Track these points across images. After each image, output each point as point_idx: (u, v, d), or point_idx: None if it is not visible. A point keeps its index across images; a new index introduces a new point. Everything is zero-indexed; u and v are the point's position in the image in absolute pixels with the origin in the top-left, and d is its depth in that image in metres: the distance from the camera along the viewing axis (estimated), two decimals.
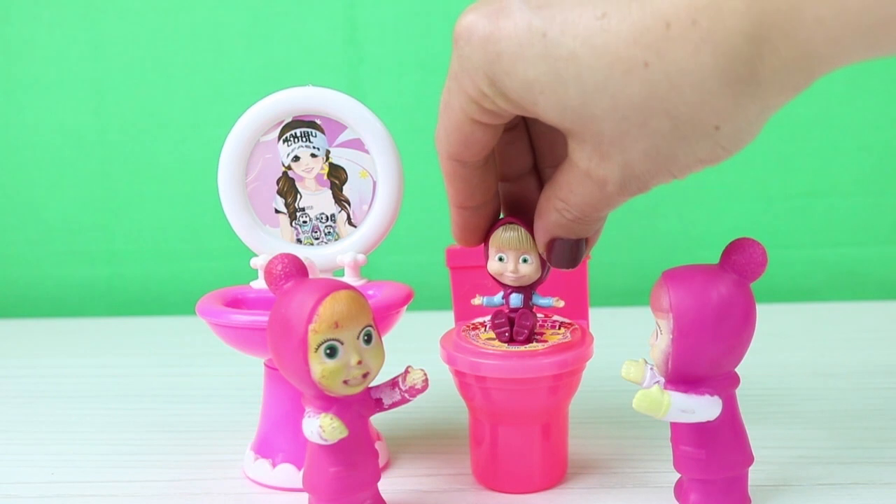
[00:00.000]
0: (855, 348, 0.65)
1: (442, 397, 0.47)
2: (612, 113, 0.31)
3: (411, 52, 0.83)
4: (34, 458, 0.48)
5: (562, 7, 0.31)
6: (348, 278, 0.45)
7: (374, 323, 0.36)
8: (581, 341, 0.41)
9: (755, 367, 0.37)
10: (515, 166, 0.40)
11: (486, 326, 0.43)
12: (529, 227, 0.39)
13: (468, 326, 0.43)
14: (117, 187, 0.86)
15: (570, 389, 0.42)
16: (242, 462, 0.46)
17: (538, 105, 0.32)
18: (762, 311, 0.37)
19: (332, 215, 0.46)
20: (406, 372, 0.37)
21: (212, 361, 0.65)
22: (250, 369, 0.53)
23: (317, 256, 0.45)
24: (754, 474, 0.39)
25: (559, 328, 0.43)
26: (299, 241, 0.46)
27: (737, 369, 0.37)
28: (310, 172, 0.45)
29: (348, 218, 0.45)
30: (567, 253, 0.37)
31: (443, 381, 0.43)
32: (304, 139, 0.45)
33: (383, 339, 0.37)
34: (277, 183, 0.45)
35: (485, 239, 0.40)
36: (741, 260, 0.36)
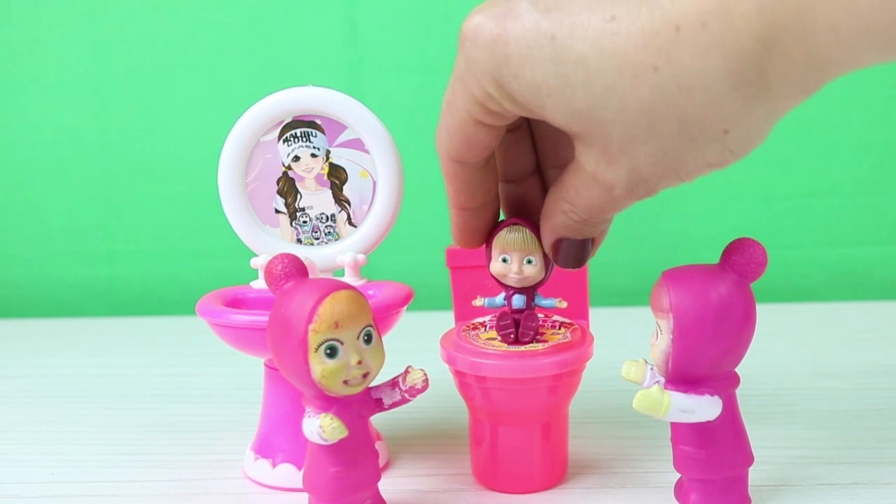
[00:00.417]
0: (855, 348, 0.65)
1: (442, 397, 0.47)
2: (620, 117, 0.31)
3: (411, 52, 0.83)
4: (34, 458, 0.48)
5: (570, 10, 0.31)
6: (348, 278, 0.45)
7: (374, 323, 0.36)
8: (581, 341, 0.41)
9: (755, 367, 0.37)
10: (518, 167, 0.40)
11: (486, 326, 0.43)
12: (534, 229, 0.39)
13: (468, 326, 0.43)
14: (117, 187, 0.86)
15: (570, 389, 0.42)
16: (242, 462, 0.46)
17: (546, 108, 0.32)
18: (762, 311, 0.37)
19: (332, 215, 0.46)
20: (406, 372, 0.38)
21: (212, 361, 0.65)
22: (250, 369, 0.53)
23: (317, 256, 0.45)
24: (754, 474, 0.39)
25: (559, 328, 0.43)
26: (299, 241, 0.46)
27: (737, 369, 0.37)
28: (310, 172, 0.45)
29: (348, 218, 0.45)
30: (573, 253, 0.37)
31: (443, 381, 0.43)
32: (304, 139, 0.45)
33: (383, 339, 0.37)
34: (277, 183, 0.45)
35: (486, 241, 0.40)
36: (741, 260, 0.36)
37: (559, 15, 0.31)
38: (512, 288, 0.40)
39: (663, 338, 0.36)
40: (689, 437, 0.37)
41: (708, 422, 0.36)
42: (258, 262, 0.45)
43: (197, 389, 0.60)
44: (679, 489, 0.39)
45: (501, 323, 0.40)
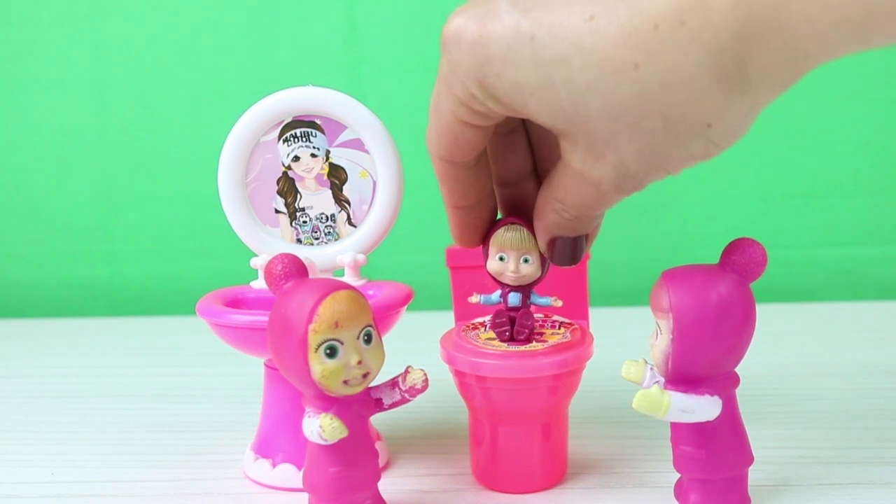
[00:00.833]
0: (855, 348, 0.65)
1: (442, 397, 0.47)
2: (603, 114, 0.31)
3: (411, 52, 0.83)
4: (34, 458, 0.48)
5: (549, 9, 0.31)
6: (348, 278, 0.45)
7: (374, 323, 0.36)
8: (581, 341, 0.41)
9: (755, 367, 0.37)
10: (515, 170, 0.40)
11: (486, 326, 0.43)
12: (531, 228, 0.39)
13: (468, 326, 0.43)
14: (117, 187, 0.86)
15: (570, 389, 0.42)
16: (242, 462, 0.46)
17: (529, 107, 0.32)
18: (762, 311, 0.37)
19: (332, 215, 0.46)
20: (406, 372, 0.38)
21: (212, 361, 0.65)
22: (250, 369, 0.53)
23: (317, 256, 0.45)
24: (754, 474, 0.39)
25: (559, 328, 0.43)
26: (299, 241, 0.46)
27: (737, 369, 0.37)
28: (310, 172, 0.45)
29: (348, 218, 0.45)
30: (568, 251, 0.37)
31: (443, 381, 0.43)
32: (304, 139, 0.45)
33: (383, 339, 0.37)
34: (277, 183, 0.45)
35: (485, 239, 0.40)
36: (741, 260, 0.36)
37: (538, 14, 0.31)
38: (508, 286, 0.40)
39: (663, 338, 0.36)
40: (688, 437, 0.37)
41: (708, 422, 0.36)
42: (258, 262, 0.45)
43: (197, 389, 0.60)
44: (679, 489, 0.39)
45: (497, 321, 0.41)
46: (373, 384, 0.37)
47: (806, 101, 0.82)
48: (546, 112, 0.32)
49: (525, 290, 0.41)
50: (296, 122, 0.45)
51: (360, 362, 0.34)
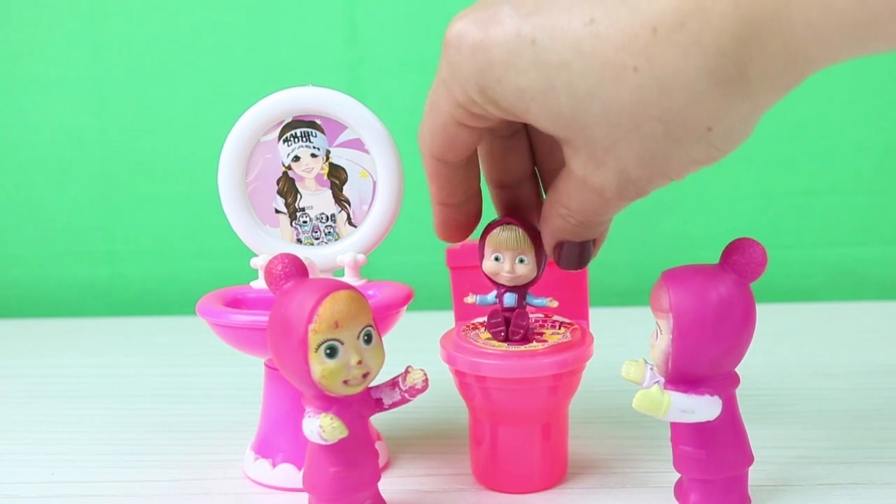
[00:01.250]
0: (855, 348, 0.65)
1: (442, 397, 0.47)
2: (603, 119, 0.31)
3: (411, 52, 0.83)
4: (34, 458, 0.48)
5: (551, 13, 0.31)
6: (348, 278, 0.45)
7: (374, 323, 0.36)
8: (581, 341, 0.41)
9: (755, 367, 0.37)
10: (515, 173, 0.40)
11: (485, 326, 0.43)
12: (527, 228, 0.39)
13: (468, 326, 0.43)
14: (117, 187, 0.86)
15: (570, 389, 0.42)
16: (242, 462, 0.46)
17: (530, 112, 0.32)
18: (762, 311, 0.37)
19: (332, 215, 0.46)
20: (406, 372, 0.38)
21: (212, 361, 0.65)
22: (250, 369, 0.53)
23: (317, 256, 0.45)
24: (754, 474, 0.39)
25: (559, 328, 0.43)
26: (299, 241, 0.46)
27: (737, 369, 0.37)
28: (310, 172, 0.45)
29: (348, 218, 0.45)
30: (575, 255, 0.37)
31: (443, 381, 0.43)
32: (304, 139, 0.45)
33: (383, 339, 0.37)
34: (277, 183, 0.45)
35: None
36: (741, 260, 0.36)
37: (539, 19, 0.31)
38: (504, 286, 0.40)
39: (663, 338, 0.36)
40: (689, 437, 0.37)
41: (708, 422, 0.36)
42: (258, 262, 0.45)
43: (197, 389, 0.60)
44: (679, 489, 0.39)
45: (492, 321, 0.41)
46: (373, 384, 0.37)
47: (806, 102, 0.82)
48: (547, 117, 0.32)
49: (521, 290, 0.41)
50: (296, 122, 0.45)
51: (360, 362, 0.34)
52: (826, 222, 0.85)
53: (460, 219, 0.40)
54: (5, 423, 0.54)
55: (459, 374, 0.41)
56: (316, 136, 0.45)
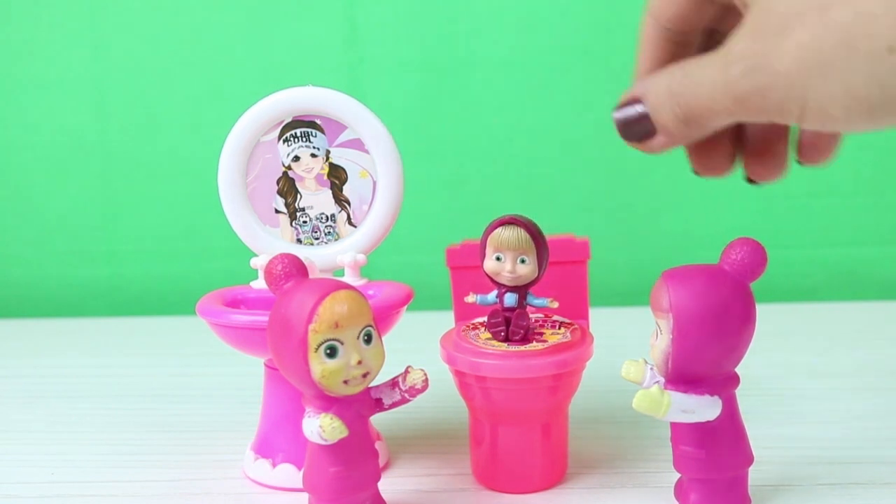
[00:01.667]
0: (855, 348, 0.65)
1: (442, 397, 0.47)
2: None
3: (411, 52, 0.83)
4: (34, 458, 0.48)
5: None
6: (348, 278, 0.45)
7: (374, 323, 0.36)
8: (581, 341, 0.41)
9: (755, 367, 0.37)
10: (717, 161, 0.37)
11: (485, 326, 0.43)
12: (528, 228, 0.39)
13: (468, 326, 0.43)
14: (117, 187, 0.86)
15: (570, 389, 0.42)
16: (242, 462, 0.46)
17: None
18: (762, 311, 0.37)
19: (332, 215, 0.46)
20: (406, 372, 0.38)
21: (212, 361, 0.65)
22: (250, 369, 0.53)
23: (317, 256, 0.45)
24: (754, 474, 0.40)
25: (559, 328, 0.43)
26: (299, 241, 0.46)
27: (737, 369, 0.37)
28: (310, 172, 0.45)
29: (348, 218, 0.45)
30: (627, 121, 0.34)
31: (443, 381, 0.43)
32: (304, 139, 0.45)
33: (383, 339, 0.37)
34: (277, 183, 0.45)
35: (482, 238, 0.40)
36: (741, 260, 0.36)
37: None
38: (504, 286, 0.40)
39: (663, 337, 0.36)
40: (689, 437, 0.37)
41: (708, 422, 0.36)
42: (258, 262, 0.45)
43: (197, 389, 0.60)
44: (679, 489, 0.39)
45: (492, 320, 0.41)
46: (373, 384, 0.37)
47: None
48: None
49: (522, 290, 0.41)
50: (296, 122, 0.45)
51: (360, 362, 0.34)
52: (826, 223, 0.85)
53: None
54: (5, 423, 0.54)
55: (459, 374, 0.41)
56: (316, 136, 0.45)
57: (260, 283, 0.45)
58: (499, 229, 0.39)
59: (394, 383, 0.38)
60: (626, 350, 0.45)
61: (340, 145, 0.45)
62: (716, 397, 0.36)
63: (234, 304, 0.45)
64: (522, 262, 0.39)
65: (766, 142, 0.36)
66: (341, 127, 0.45)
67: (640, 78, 0.35)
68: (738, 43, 0.29)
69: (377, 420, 0.42)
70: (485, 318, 0.42)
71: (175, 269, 0.87)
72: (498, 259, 0.40)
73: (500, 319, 0.40)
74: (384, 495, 0.39)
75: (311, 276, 0.37)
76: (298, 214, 0.46)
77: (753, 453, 0.38)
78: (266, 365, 0.45)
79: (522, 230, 0.39)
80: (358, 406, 0.36)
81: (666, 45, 0.34)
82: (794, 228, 0.85)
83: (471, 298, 0.42)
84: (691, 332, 0.35)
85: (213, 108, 0.84)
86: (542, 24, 0.82)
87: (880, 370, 0.59)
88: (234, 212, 0.45)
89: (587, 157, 0.84)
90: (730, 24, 0.33)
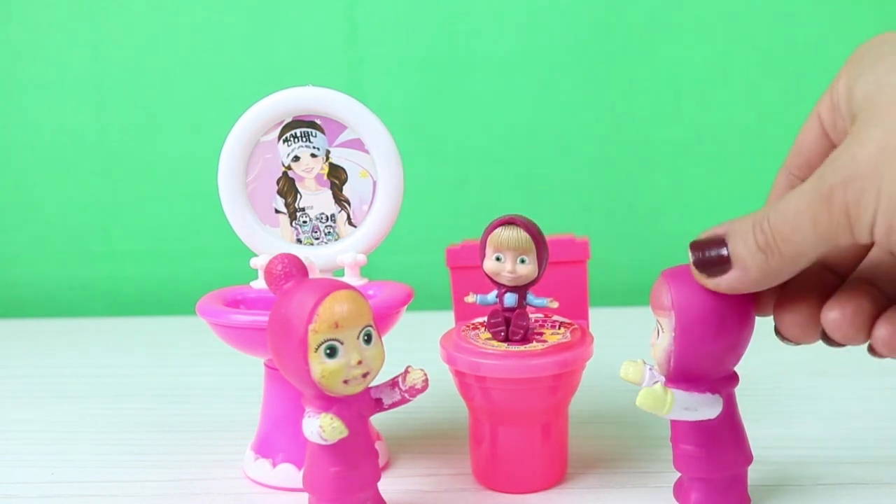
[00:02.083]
0: (855, 348, 0.65)
1: (442, 397, 0.47)
2: None
3: (411, 52, 0.83)
4: (34, 458, 0.48)
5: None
6: (348, 278, 0.45)
7: (375, 323, 0.36)
8: (581, 341, 0.41)
9: (755, 367, 0.37)
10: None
11: (485, 326, 0.43)
12: (529, 227, 0.39)
13: (468, 326, 0.43)
14: (117, 187, 0.86)
15: (570, 389, 0.42)
16: (242, 462, 0.46)
17: None
18: None
19: (332, 215, 0.46)
20: (406, 372, 0.38)
21: (212, 361, 0.65)
22: (250, 369, 0.53)
23: (317, 256, 0.45)
24: (754, 474, 0.40)
25: (559, 328, 0.43)
26: (299, 241, 0.46)
27: (737, 369, 0.37)
28: (310, 172, 0.45)
29: (348, 218, 0.45)
30: (706, 258, 0.34)
31: (443, 381, 0.43)
32: (304, 139, 0.45)
33: (383, 339, 0.37)
34: (277, 183, 0.45)
35: (483, 237, 0.40)
36: None
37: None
38: (504, 286, 0.40)
39: (665, 336, 0.36)
40: (689, 436, 0.38)
41: (708, 420, 0.36)
42: (258, 262, 0.45)
43: (197, 389, 0.60)
44: (679, 489, 0.39)
45: (493, 320, 0.41)
46: (373, 384, 0.37)
47: (807, 101, 0.82)
48: None
49: (522, 290, 0.41)
50: (296, 122, 0.45)
51: (360, 362, 0.34)
52: None
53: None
54: (5, 423, 0.54)
55: (459, 374, 0.41)
56: (316, 136, 0.45)
57: (260, 283, 0.45)
58: (499, 229, 0.39)
59: (394, 383, 0.38)
60: (626, 350, 0.45)
61: (340, 145, 0.45)
62: (717, 395, 0.36)
63: (234, 304, 0.45)
64: (522, 262, 0.39)
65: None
66: (341, 127, 0.45)
67: None
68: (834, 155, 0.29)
69: (377, 420, 0.42)
70: (485, 318, 0.42)
71: (175, 269, 0.86)
72: (498, 259, 0.40)
73: (500, 319, 0.40)
74: (384, 495, 0.39)
75: (311, 276, 0.37)
76: (298, 214, 0.46)
77: (753, 453, 0.38)
78: (266, 365, 0.45)
79: (522, 230, 0.39)
80: (358, 406, 0.36)
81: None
82: None
83: (471, 298, 0.42)
84: (693, 330, 0.35)
85: (213, 108, 0.84)
86: (542, 25, 0.82)
87: (880, 370, 0.59)
88: (234, 212, 0.45)
89: (587, 157, 0.84)
90: None
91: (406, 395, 0.37)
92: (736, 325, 0.35)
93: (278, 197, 0.45)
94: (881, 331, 0.32)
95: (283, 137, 0.45)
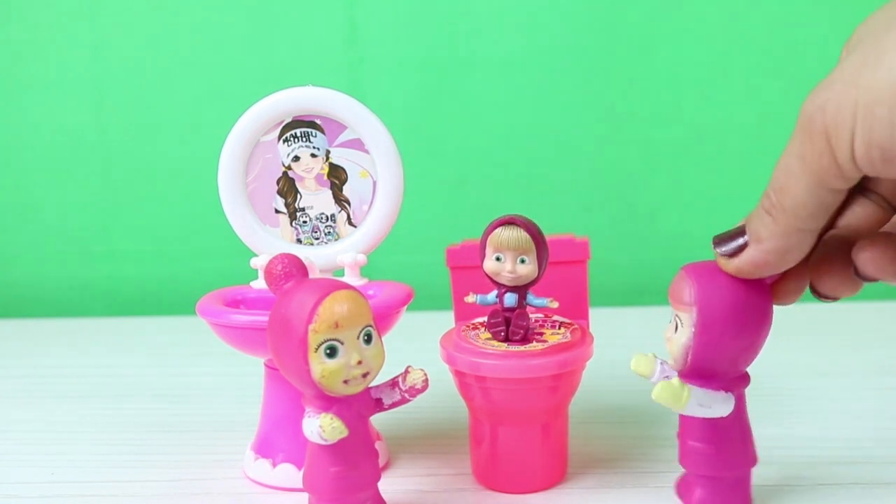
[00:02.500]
0: (855, 348, 0.65)
1: (442, 397, 0.47)
2: None
3: (411, 52, 0.83)
4: (34, 458, 0.48)
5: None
6: (348, 278, 0.45)
7: (374, 323, 0.36)
8: (581, 341, 0.41)
9: (755, 367, 0.37)
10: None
11: (485, 326, 0.43)
12: (529, 227, 0.39)
13: (468, 326, 0.43)
14: (117, 187, 0.86)
15: (570, 389, 0.42)
16: (242, 462, 0.46)
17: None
18: None
19: (332, 215, 0.46)
20: (406, 372, 0.38)
21: (212, 361, 0.65)
22: (250, 369, 0.53)
23: (317, 256, 0.45)
24: (755, 474, 0.39)
25: (559, 328, 0.43)
26: (299, 241, 0.46)
27: None
28: (310, 172, 0.45)
29: (348, 218, 0.45)
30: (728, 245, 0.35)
31: (443, 381, 0.43)
32: (304, 139, 0.45)
33: (383, 339, 0.37)
34: (277, 183, 0.45)
35: (482, 237, 0.40)
36: None
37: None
38: (504, 286, 0.40)
39: (684, 331, 0.35)
40: (698, 433, 0.37)
41: (719, 418, 0.36)
42: (258, 262, 0.45)
43: (197, 389, 0.60)
44: (681, 486, 0.39)
45: (493, 320, 0.41)
46: (373, 384, 0.37)
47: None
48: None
49: (522, 290, 0.40)
50: (296, 122, 0.45)
51: (360, 362, 0.34)
52: None
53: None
54: (5, 423, 0.54)
55: (459, 374, 0.41)
56: (316, 136, 0.45)
57: (260, 283, 0.45)
58: (499, 229, 0.39)
59: (394, 383, 0.38)
60: (626, 350, 0.45)
61: (340, 145, 0.45)
62: (729, 394, 0.36)
63: (234, 304, 0.45)
64: (522, 262, 0.39)
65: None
66: (341, 127, 0.45)
67: None
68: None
69: (377, 420, 0.42)
70: (485, 318, 0.42)
71: (175, 269, 0.87)
72: (498, 259, 0.40)
73: (500, 319, 0.40)
74: (384, 495, 0.39)
75: (311, 276, 0.37)
76: (298, 214, 0.46)
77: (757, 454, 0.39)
78: (266, 365, 0.45)
79: (522, 230, 0.39)
80: (358, 406, 0.36)
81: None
82: None
83: (471, 298, 0.42)
84: (715, 327, 0.35)
85: (213, 108, 0.84)
86: (542, 25, 0.82)
87: (881, 370, 0.59)
88: (234, 212, 0.45)
89: (587, 157, 0.84)
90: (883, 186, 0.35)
91: (406, 395, 0.37)
92: (756, 324, 0.35)
93: (278, 197, 0.45)
94: None
95: (283, 137, 0.45)
